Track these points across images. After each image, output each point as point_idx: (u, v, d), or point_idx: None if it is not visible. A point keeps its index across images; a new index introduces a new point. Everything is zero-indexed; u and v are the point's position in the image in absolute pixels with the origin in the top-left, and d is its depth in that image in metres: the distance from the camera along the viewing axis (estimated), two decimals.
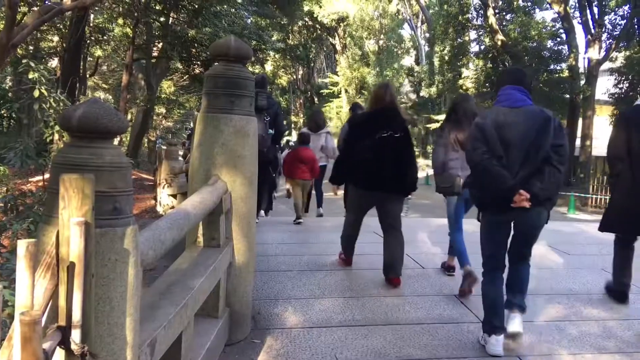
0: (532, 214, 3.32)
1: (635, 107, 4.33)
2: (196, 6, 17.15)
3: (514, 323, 3.33)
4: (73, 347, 1.39)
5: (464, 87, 28.71)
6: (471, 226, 4.19)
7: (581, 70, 22.69)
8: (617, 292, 4.23)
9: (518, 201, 3.21)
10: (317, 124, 7.89)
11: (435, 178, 4.76)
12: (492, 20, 23.55)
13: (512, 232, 3.42)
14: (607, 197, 17.11)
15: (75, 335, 1.40)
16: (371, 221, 7.44)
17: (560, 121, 3.54)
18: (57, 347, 1.37)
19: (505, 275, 3.48)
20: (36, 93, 6.86)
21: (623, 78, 21.46)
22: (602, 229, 4.41)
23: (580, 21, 22.14)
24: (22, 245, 1.27)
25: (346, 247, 4.88)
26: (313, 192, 8.00)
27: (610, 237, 6.68)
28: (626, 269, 4.22)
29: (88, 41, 19.24)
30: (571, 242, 6.21)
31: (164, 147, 11.47)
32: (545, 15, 67.91)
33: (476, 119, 3.67)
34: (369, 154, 4.37)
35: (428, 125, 34.43)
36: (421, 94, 35.95)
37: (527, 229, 3.42)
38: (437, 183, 4.69)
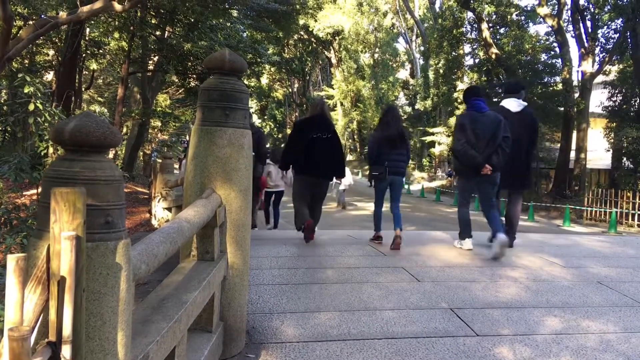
0: (492, 177, 5.77)
1: (501, 107, 6.22)
2: (192, 20, 17.23)
3: (495, 250, 5.57)
4: None
5: (459, 100, 28.88)
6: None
7: (575, 83, 22.86)
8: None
9: (484, 171, 5.66)
10: (277, 158, 8.83)
11: (369, 167, 6.53)
12: (486, 34, 23.75)
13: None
14: (603, 210, 17.21)
15: (66, 351, 1.38)
16: (365, 234, 7.47)
17: (505, 121, 5.76)
18: None
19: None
20: (31, 107, 6.86)
21: (616, 91, 21.60)
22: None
23: (573, 35, 22.37)
24: (12, 259, 1.25)
25: (302, 221, 6.23)
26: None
27: (606, 249, 6.72)
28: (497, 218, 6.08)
29: (84, 55, 19.29)
30: (567, 254, 6.21)
31: (159, 160, 11.46)
32: (539, 29, 68.54)
33: (458, 119, 6.03)
34: (304, 149, 6.06)
35: (423, 138, 34.56)
36: (416, 107, 36.17)
37: (490, 185, 5.85)
38: (370, 171, 6.43)
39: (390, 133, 6.20)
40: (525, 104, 6.29)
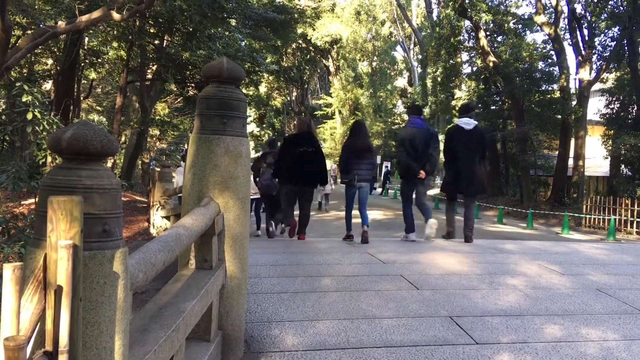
0: (425, 180, 7.38)
1: (456, 126, 7.63)
2: (190, 29, 17.29)
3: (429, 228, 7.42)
4: None
5: (457, 108, 28.93)
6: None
7: (572, 91, 22.90)
8: (449, 233, 7.78)
9: (420, 176, 7.25)
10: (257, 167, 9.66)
11: (340, 175, 7.69)
12: (484, 42, 23.82)
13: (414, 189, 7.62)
14: (601, 217, 17.21)
15: None
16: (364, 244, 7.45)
17: (437, 133, 7.69)
18: None
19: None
20: (29, 115, 6.84)
21: (614, 99, 21.64)
22: (442, 190, 8.35)
23: (570, 43, 22.42)
24: (8, 268, 1.24)
25: (288, 220, 7.60)
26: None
27: (605, 257, 6.72)
28: (453, 216, 7.84)
29: (82, 64, 19.32)
30: (566, 262, 6.20)
31: (157, 169, 11.44)
32: (536, 37, 68.82)
33: (400, 134, 7.77)
34: (293, 161, 7.12)
35: None
36: None
37: (423, 186, 7.52)
38: (342, 178, 7.54)
39: (358, 145, 7.28)
40: (476, 122, 7.64)
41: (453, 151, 7.50)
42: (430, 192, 30.87)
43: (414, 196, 7.74)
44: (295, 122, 52.43)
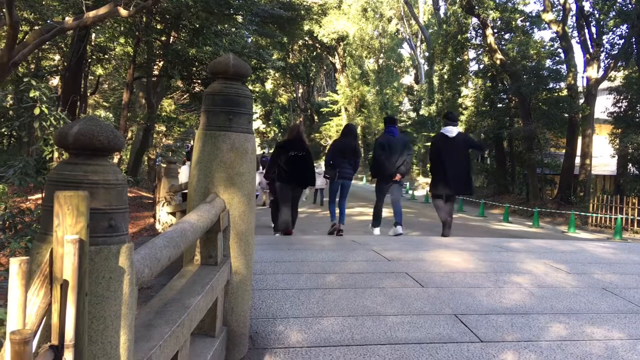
0: (401, 182, 8.35)
1: (441, 133, 8.39)
2: (197, 25, 17.27)
3: (397, 230, 8.22)
4: None
5: (464, 106, 28.86)
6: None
7: (580, 89, 22.77)
8: (445, 235, 8.07)
9: (396, 178, 8.13)
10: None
11: (325, 171, 8.55)
12: (491, 39, 23.71)
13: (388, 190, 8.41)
14: (608, 216, 17.14)
15: (68, 355, 1.37)
16: (370, 239, 7.46)
17: (409, 142, 8.72)
18: None
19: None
20: (37, 111, 6.88)
21: (622, 97, 21.50)
22: (431, 191, 8.70)
23: (578, 41, 22.30)
24: (15, 263, 1.25)
25: (286, 227, 7.85)
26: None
27: (611, 256, 6.70)
28: (444, 211, 8.21)
29: (89, 60, 19.35)
30: (572, 260, 6.18)
31: (164, 165, 11.47)
32: (544, 35, 68.42)
33: (378, 140, 8.48)
34: (285, 164, 7.63)
35: (428, 144, 34.51)
36: (420, 113, 36.07)
37: (399, 187, 8.48)
38: (325, 173, 8.50)
39: (344, 146, 8.22)
40: (460, 130, 8.43)
41: (439, 157, 8.18)
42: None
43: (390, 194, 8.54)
44: (301, 119, 52.53)
